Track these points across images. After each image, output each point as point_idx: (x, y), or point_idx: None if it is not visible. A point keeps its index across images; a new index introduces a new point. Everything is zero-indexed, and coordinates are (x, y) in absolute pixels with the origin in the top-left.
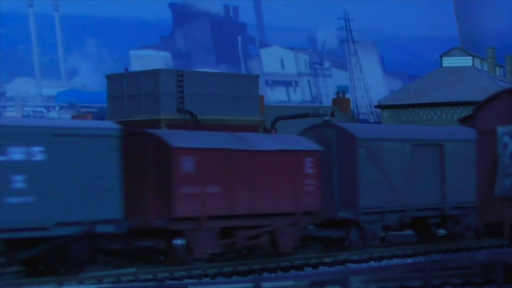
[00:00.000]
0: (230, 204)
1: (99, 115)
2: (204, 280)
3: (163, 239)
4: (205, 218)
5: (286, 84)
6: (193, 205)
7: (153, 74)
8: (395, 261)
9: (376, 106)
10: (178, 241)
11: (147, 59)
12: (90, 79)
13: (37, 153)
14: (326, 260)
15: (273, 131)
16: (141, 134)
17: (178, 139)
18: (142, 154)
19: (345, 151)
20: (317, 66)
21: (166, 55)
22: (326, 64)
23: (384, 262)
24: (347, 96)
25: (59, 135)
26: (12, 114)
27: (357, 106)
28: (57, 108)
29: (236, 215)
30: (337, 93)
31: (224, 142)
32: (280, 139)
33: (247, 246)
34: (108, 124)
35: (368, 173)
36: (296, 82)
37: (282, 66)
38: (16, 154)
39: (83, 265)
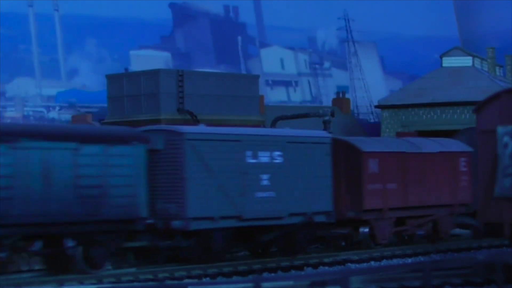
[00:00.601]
0: (404, 198)
1: (99, 115)
2: (204, 280)
3: (350, 227)
4: (386, 209)
5: (286, 84)
6: (377, 199)
7: (153, 74)
8: (395, 261)
9: (376, 106)
10: (364, 229)
11: (147, 59)
12: (90, 79)
13: (277, 156)
14: (326, 260)
15: None
16: (334, 140)
17: (366, 144)
18: (335, 157)
19: None
20: (317, 66)
21: (166, 55)
22: (326, 64)
23: (384, 262)
24: (347, 96)
25: (292, 142)
26: (12, 114)
27: (357, 106)
28: (57, 108)
29: (408, 207)
30: (337, 93)
31: (399, 146)
32: (439, 142)
33: (414, 233)
34: (324, 133)
35: None
36: (296, 82)
37: (282, 66)
38: (263, 157)
39: (304, 249)
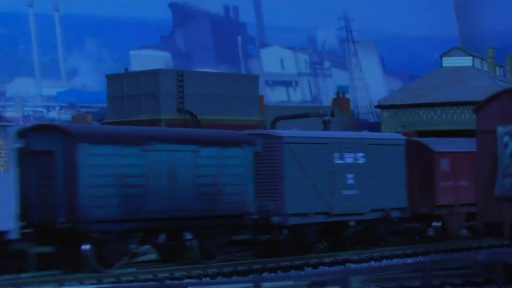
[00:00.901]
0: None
1: (99, 115)
2: (204, 280)
3: (422, 222)
4: (458, 205)
5: (286, 84)
6: (449, 195)
7: (153, 74)
8: (395, 261)
9: (376, 106)
10: (437, 224)
11: (147, 59)
12: (90, 79)
13: (360, 157)
14: (326, 260)
15: None
16: (407, 141)
17: (438, 145)
18: (409, 157)
19: None
20: (317, 66)
21: (166, 55)
22: (326, 64)
23: (384, 262)
24: (347, 96)
25: (372, 144)
26: (12, 114)
27: (357, 106)
28: (57, 108)
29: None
30: (337, 93)
31: (469, 146)
32: None
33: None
34: (399, 136)
35: None
36: (296, 82)
37: (282, 66)
38: (349, 158)
39: (383, 242)
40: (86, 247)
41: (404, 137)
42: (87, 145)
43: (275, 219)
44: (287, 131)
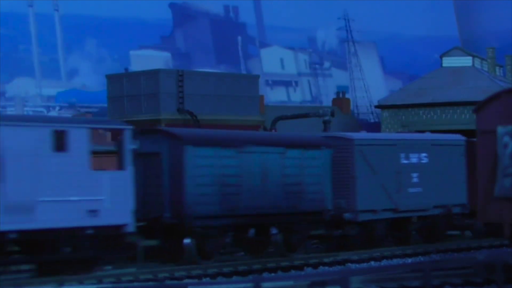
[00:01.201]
0: None
1: (99, 115)
2: (204, 280)
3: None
4: None
5: (286, 84)
6: None
7: (153, 74)
8: (395, 261)
9: (376, 106)
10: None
11: (147, 59)
12: (90, 79)
13: (424, 157)
14: (326, 260)
15: (273, 131)
16: (467, 142)
17: None
18: (468, 156)
19: None
20: (317, 66)
21: (166, 55)
22: (326, 64)
23: (384, 262)
24: (347, 96)
25: (435, 145)
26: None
27: (357, 106)
28: (57, 108)
29: None
30: (337, 93)
31: None
32: None
33: None
34: (459, 136)
35: None
36: (296, 82)
37: (282, 66)
38: (413, 158)
39: (443, 236)
40: (187, 240)
41: (464, 138)
42: (192, 147)
43: (347, 215)
44: (357, 134)
